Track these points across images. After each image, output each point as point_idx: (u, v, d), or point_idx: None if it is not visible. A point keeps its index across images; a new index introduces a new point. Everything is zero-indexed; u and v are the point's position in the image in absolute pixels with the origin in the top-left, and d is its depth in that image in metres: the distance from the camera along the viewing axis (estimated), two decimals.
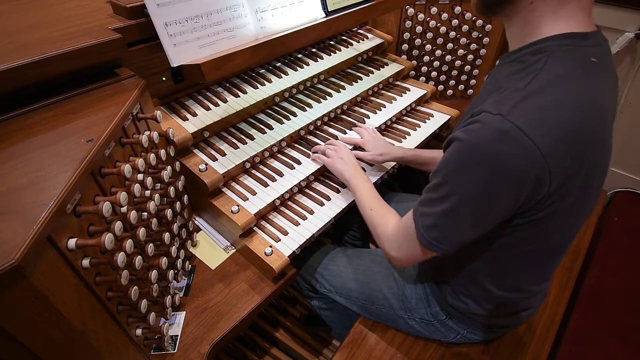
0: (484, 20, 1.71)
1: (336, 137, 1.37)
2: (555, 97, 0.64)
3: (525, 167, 0.64)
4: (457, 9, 1.68)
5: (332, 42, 1.63)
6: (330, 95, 1.46)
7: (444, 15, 1.70)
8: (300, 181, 1.22)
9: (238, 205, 1.09)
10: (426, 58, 1.81)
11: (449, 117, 1.61)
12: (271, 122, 1.31)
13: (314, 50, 1.56)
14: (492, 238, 0.82)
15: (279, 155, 1.30)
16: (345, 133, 1.40)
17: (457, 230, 0.75)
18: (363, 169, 1.34)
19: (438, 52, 1.77)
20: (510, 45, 0.78)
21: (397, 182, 2.18)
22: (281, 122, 1.32)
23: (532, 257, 0.84)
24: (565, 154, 0.65)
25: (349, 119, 1.47)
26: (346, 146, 1.27)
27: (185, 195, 1.09)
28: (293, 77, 1.41)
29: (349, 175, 1.15)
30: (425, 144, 1.50)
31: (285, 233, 1.13)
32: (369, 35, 1.72)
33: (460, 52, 1.79)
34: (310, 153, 1.29)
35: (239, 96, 1.29)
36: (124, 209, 0.75)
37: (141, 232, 0.76)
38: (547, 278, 0.96)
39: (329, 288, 1.25)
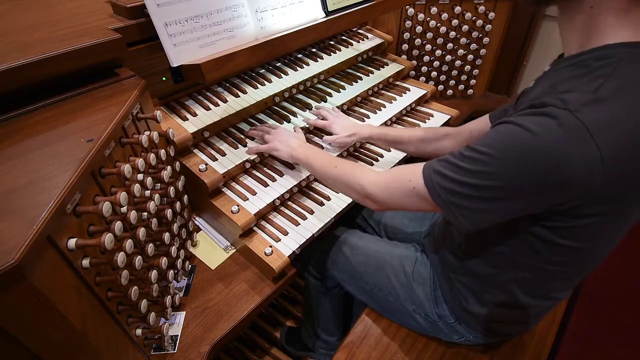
0: (484, 20, 1.71)
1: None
2: (627, 106, 0.61)
3: (582, 168, 0.61)
4: (457, 9, 1.68)
5: (332, 42, 1.63)
6: (330, 95, 1.46)
7: (444, 15, 1.70)
8: (300, 181, 1.22)
9: (238, 205, 1.09)
10: (426, 58, 1.81)
11: (449, 117, 1.61)
12: (271, 122, 1.31)
13: (314, 50, 1.56)
14: (528, 244, 0.79)
15: None
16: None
17: (489, 209, 0.71)
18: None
19: (438, 52, 1.77)
20: (566, 48, 0.74)
21: None
22: (281, 122, 1.32)
23: (570, 265, 0.81)
24: (627, 166, 0.62)
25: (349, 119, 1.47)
26: (283, 127, 1.20)
27: (185, 195, 1.09)
28: (293, 77, 1.41)
29: (295, 151, 1.09)
30: None
31: (285, 233, 1.13)
32: (369, 35, 1.72)
33: (460, 52, 1.79)
34: (249, 149, 1.20)
35: (239, 96, 1.29)
36: (124, 209, 0.75)
37: (141, 232, 0.76)
38: (575, 284, 0.92)
39: (341, 267, 1.22)
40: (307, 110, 1.38)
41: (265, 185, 1.18)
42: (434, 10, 1.68)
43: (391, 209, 0.88)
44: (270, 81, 1.37)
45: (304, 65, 1.47)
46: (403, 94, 1.63)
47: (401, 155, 1.40)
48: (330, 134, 1.31)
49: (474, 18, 1.71)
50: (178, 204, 1.00)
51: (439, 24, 1.72)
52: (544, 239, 0.76)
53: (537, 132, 0.62)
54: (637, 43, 0.64)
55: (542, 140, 0.62)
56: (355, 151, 1.42)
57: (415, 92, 1.65)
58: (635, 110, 0.61)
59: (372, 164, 1.37)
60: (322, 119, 1.34)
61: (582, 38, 0.69)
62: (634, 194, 0.67)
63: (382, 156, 1.40)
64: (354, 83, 1.54)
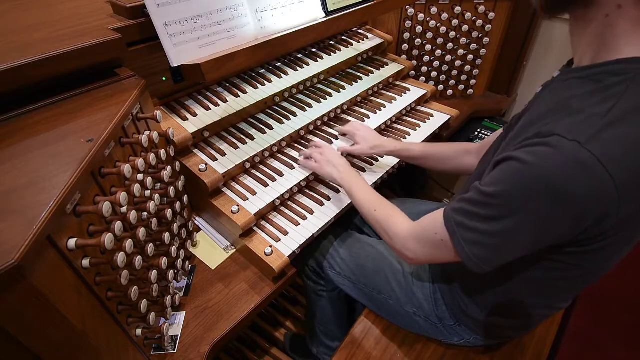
0: (484, 20, 1.71)
1: (336, 137, 1.38)
2: (638, 129, 0.59)
3: (595, 201, 0.59)
4: (457, 9, 1.67)
5: (332, 42, 1.63)
6: (330, 95, 1.46)
7: (444, 15, 1.70)
8: (300, 181, 1.22)
9: (238, 205, 1.09)
10: (426, 58, 1.81)
11: (449, 117, 1.61)
12: (271, 122, 1.31)
13: (314, 50, 1.56)
14: (536, 262, 0.78)
15: (279, 155, 1.30)
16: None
17: (503, 253, 0.71)
18: (363, 169, 1.35)
19: (438, 52, 1.77)
20: (578, 58, 0.70)
21: (397, 182, 2.18)
22: (281, 122, 1.32)
23: (574, 280, 0.80)
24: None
25: (349, 119, 1.47)
26: (332, 147, 1.24)
27: (185, 195, 1.09)
28: (293, 77, 1.41)
29: (340, 177, 1.13)
30: None
31: (285, 233, 1.13)
32: (369, 35, 1.72)
33: (460, 52, 1.79)
34: (298, 161, 1.26)
35: (239, 96, 1.29)
36: (124, 209, 0.75)
37: (141, 232, 0.76)
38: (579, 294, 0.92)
39: (338, 270, 1.23)
40: (308, 110, 1.38)
41: (265, 185, 1.18)
42: (434, 10, 1.68)
43: (426, 262, 0.88)
44: (270, 81, 1.37)
45: (304, 65, 1.47)
46: (403, 94, 1.63)
47: (395, 160, 1.39)
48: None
49: (474, 18, 1.71)
50: (178, 204, 1.00)
51: (439, 24, 1.72)
52: (555, 259, 0.75)
53: (536, 164, 0.60)
54: None
55: (544, 173, 0.60)
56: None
57: (415, 92, 1.65)
58: None
59: (372, 164, 1.37)
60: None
61: (595, 49, 0.65)
62: None
63: (382, 156, 1.40)
64: (354, 83, 1.54)
